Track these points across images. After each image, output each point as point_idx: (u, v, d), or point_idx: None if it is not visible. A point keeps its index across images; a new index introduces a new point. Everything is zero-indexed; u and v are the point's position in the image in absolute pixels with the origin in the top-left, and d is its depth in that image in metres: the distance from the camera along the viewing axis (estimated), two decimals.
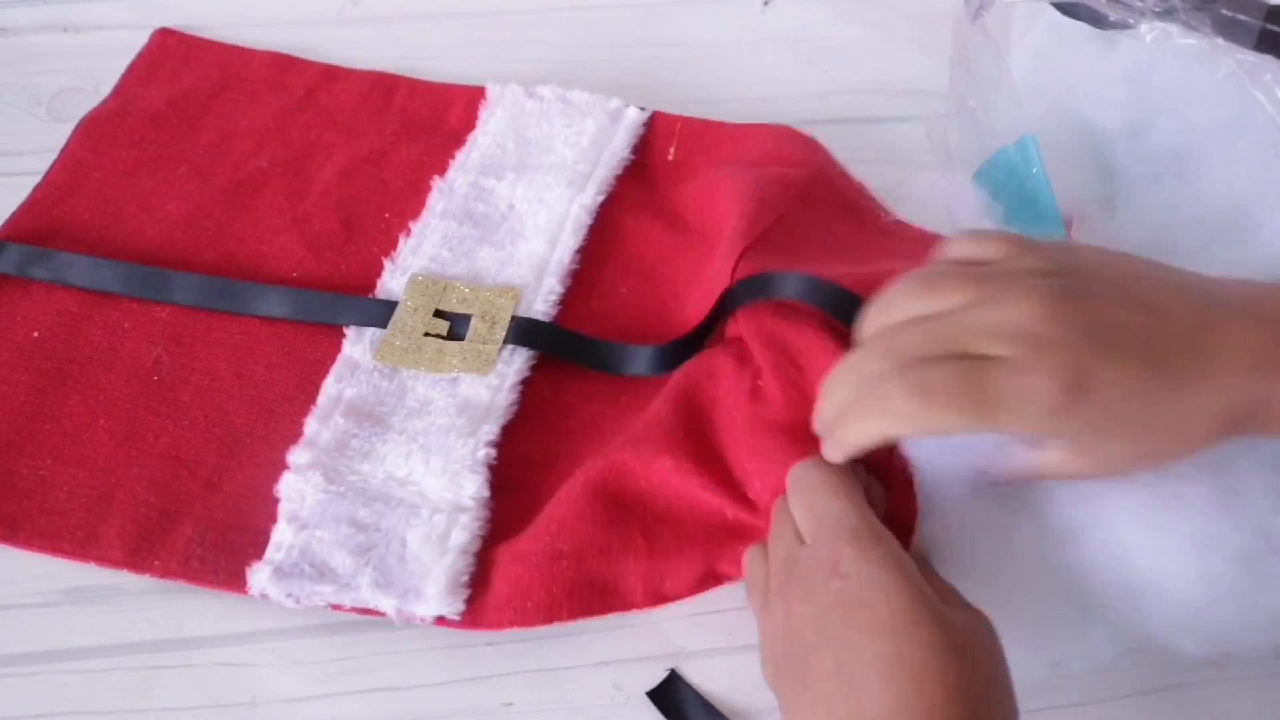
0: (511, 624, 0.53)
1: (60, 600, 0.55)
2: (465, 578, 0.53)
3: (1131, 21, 0.55)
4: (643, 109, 0.74)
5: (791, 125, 0.71)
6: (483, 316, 0.63)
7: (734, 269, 0.60)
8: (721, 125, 0.73)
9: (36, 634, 0.54)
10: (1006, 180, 0.57)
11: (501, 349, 0.61)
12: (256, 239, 0.68)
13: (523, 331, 0.62)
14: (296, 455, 0.57)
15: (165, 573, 0.54)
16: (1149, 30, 0.55)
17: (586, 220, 0.68)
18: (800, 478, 0.49)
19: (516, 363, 0.61)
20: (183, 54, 0.78)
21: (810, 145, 0.71)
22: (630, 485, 0.55)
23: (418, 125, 0.74)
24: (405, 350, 0.61)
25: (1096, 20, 0.56)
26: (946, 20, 0.63)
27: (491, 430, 0.58)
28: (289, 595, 0.53)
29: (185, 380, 0.61)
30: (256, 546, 0.54)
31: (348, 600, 0.53)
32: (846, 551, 0.45)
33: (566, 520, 0.54)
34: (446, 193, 0.69)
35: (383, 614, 0.53)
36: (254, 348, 0.63)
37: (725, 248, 0.62)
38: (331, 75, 0.77)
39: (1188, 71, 0.56)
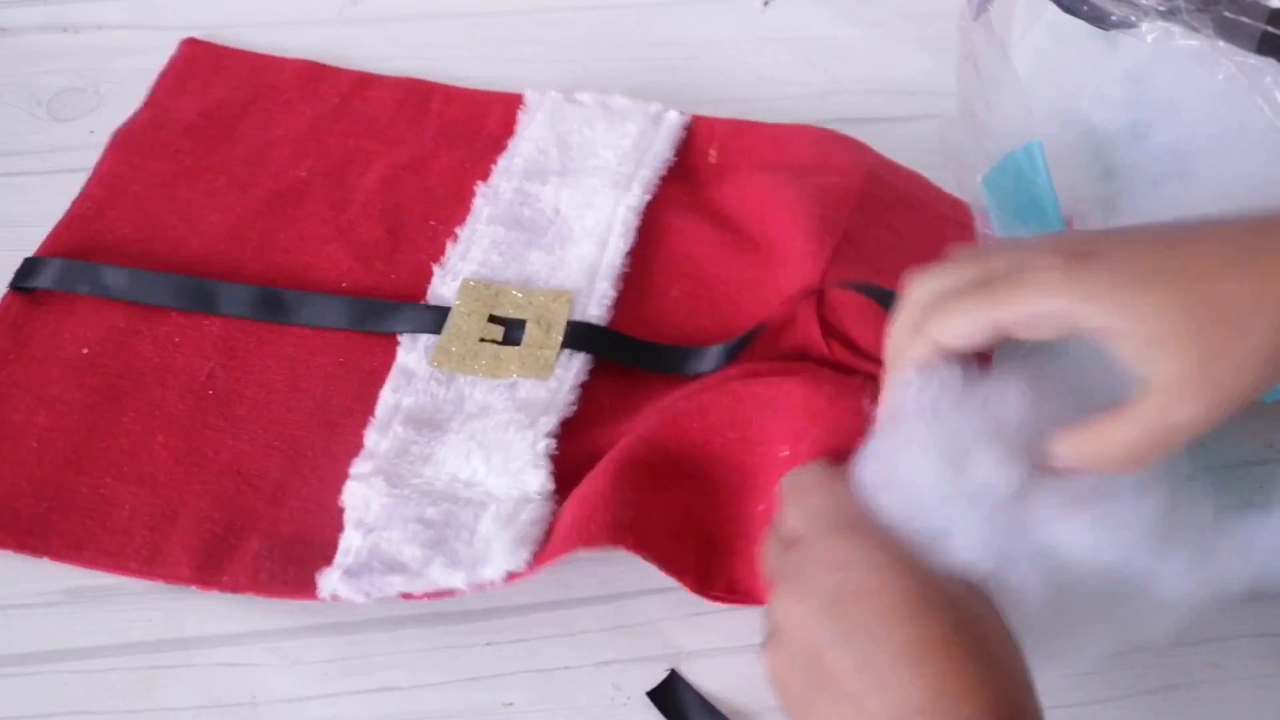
0: (576, 545, 0.52)
1: (60, 600, 0.55)
2: (530, 536, 0.53)
3: (1134, 20, 0.55)
4: (682, 113, 0.73)
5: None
6: (538, 321, 0.62)
7: (813, 290, 0.60)
8: (760, 126, 0.73)
9: (36, 634, 0.54)
10: (1014, 187, 0.57)
11: (559, 353, 0.61)
12: (302, 249, 0.67)
13: (579, 336, 0.62)
14: (358, 466, 0.57)
15: (234, 587, 0.54)
16: (1150, 30, 0.55)
17: (634, 222, 0.67)
18: (793, 481, 0.50)
19: (575, 366, 0.61)
20: (212, 63, 0.77)
21: (856, 147, 0.70)
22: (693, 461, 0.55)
23: (456, 131, 0.74)
24: (462, 356, 0.61)
25: (1099, 19, 0.56)
26: (947, 20, 0.63)
27: (551, 422, 0.58)
28: (360, 591, 0.52)
29: (240, 394, 0.61)
30: (325, 556, 0.54)
31: (419, 587, 0.52)
32: (845, 543, 0.44)
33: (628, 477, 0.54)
34: (491, 198, 0.69)
35: (454, 593, 0.52)
36: (309, 359, 0.62)
37: (794, 270, 0.62)
38: (365, 82, 0.77)
39: (1189, 73, 0.56)
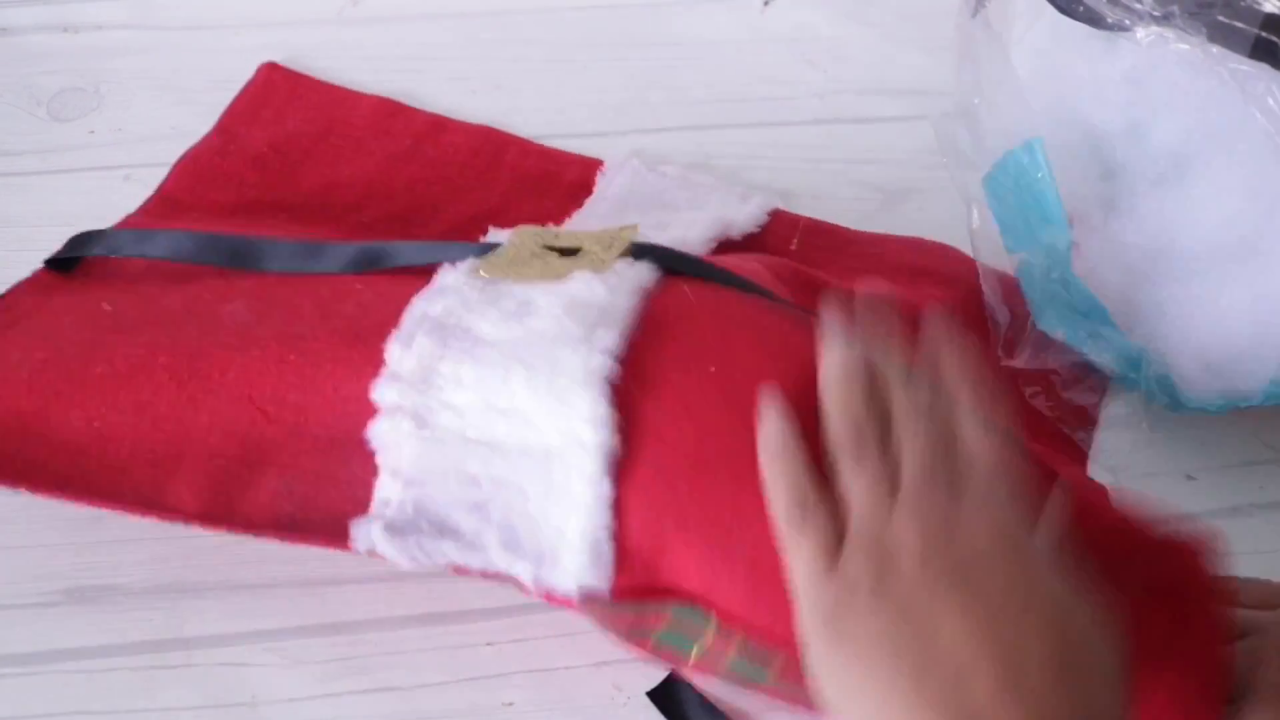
0: (650, 598, 0.48)
1: (60, 600, 0.55)
2: (606, 534, 0.47)
3: (1128, 23, 0.55)
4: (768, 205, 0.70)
5: (791, 125, 0.71)
6: (598, 240, 0.55)
7: None
8: (844, 229, 0.70)
9: (36, 634, 0.54)
10: (1015, 184, 0.57)
11: (622, 257, 0.54)
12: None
13: (648, 249, 0.55)
14: (380, 391, 0.49)
15: (250, 528, 0.50)
16: (1145, 35, 0.55)
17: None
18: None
19: (639, 268, 0.53)
20: (288, 92, 0.76)
21: (961, 259, 0.66)
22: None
23: (530, 184, 0.71)
24: (510, 263, 0.54)
25: (1094, 20, 0.56)
26: (947, 20, 0.63)
27: (609, 336, 0.49)
28: (406, 554, 0.48)
29: (263, 317, 0.54)
30: (356, 501, 0.50)
31: (475, 561, 0.48)
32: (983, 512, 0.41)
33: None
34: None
35: (514, 580, 0.49)
36: (345, 289, 0.56)
37: None
38: (440, 126, 0.74)
39: (1184, 77, 0.56)
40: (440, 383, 0.49)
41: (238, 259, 0.59)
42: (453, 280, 0.53)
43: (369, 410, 0.50)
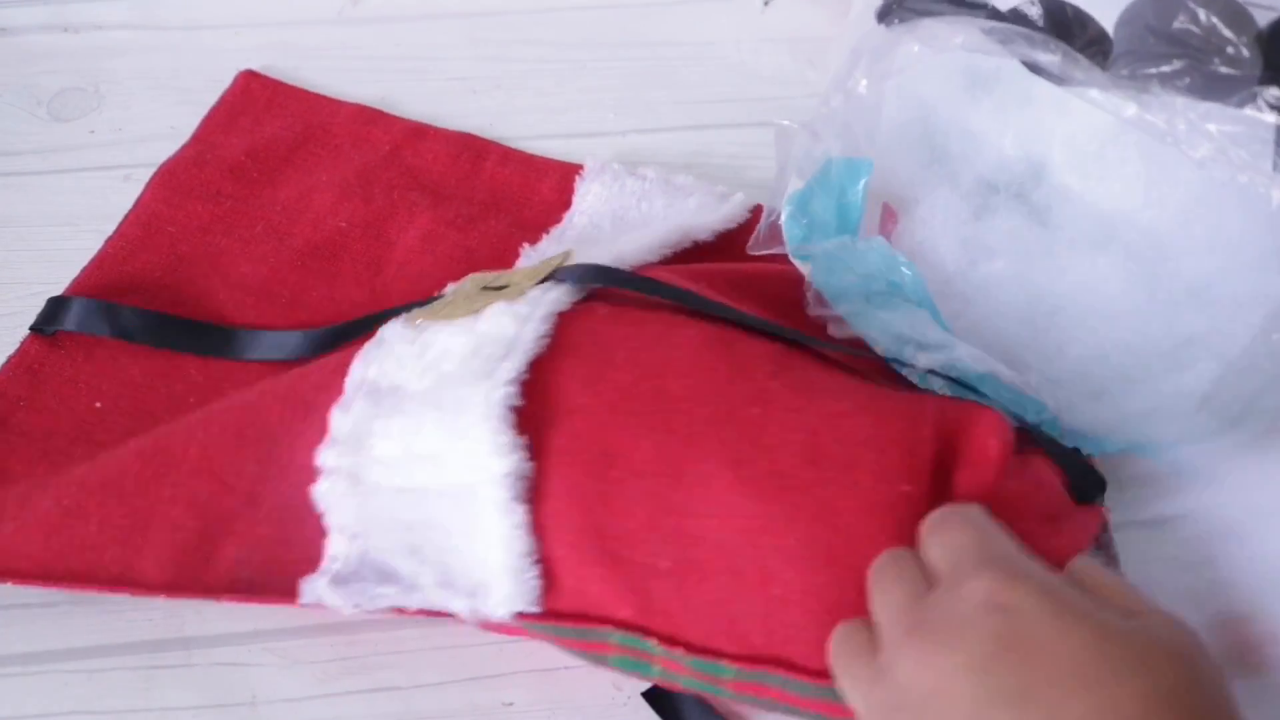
0: (588, 623, 0.48)
1: (60, 600, 0.55)
2: (527, 560, 0.48)
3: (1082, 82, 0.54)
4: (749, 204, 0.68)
5: (791, 125, 0.71)
6: (528, 274, 0.55)
7: None
8: None
9: (36, 634, 0.54)
10: (822, 191, 0.57)
11: (543, 283, 0.54)
12: (334, 311, 0.64)
13: (571, 272, 0.55)
14: (323, 456, 0.51)
15: (210, 594, 0.52)
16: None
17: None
18: (939, 517, 0.43)
19: (556, 291, 0.53)
20: (266, 100, 0.75)
21: None
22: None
23: (509, 194, 0.71)
24: (437, 309, 0.55)
25: (1061, 79, 0.55)
26: None
27: (513, 367, 0.49)
28: (349, 600, 0.50)
29: (220, 394, 0.58)
30: (309, 560, 0.51)
31: (414, 602, 0.50)
32: (1004, 582, 0.37)
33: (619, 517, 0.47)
34: (534, 260, 0.64)
35: (451, 615, 0.50)
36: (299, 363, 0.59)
37: None
38: (419, 133, 0.74)
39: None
40: (371, 441, 0.50)
41: (208, 347, 0.62)
42: (390, 333, 0.54)
43: (316, 475, 0.51)
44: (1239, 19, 0.48)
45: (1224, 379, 0.51)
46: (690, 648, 0.47)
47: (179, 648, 0.54)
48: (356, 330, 0.60)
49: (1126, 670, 0.34)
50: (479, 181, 0.71)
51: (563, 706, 0.52)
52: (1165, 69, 0.49)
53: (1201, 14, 0.48)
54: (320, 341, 0.62)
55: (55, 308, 0.63)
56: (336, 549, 0.51)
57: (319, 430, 0.51)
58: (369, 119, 0.75)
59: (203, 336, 0.63)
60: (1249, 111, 0.47)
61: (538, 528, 0.48)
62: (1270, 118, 0.47)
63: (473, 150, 0.73)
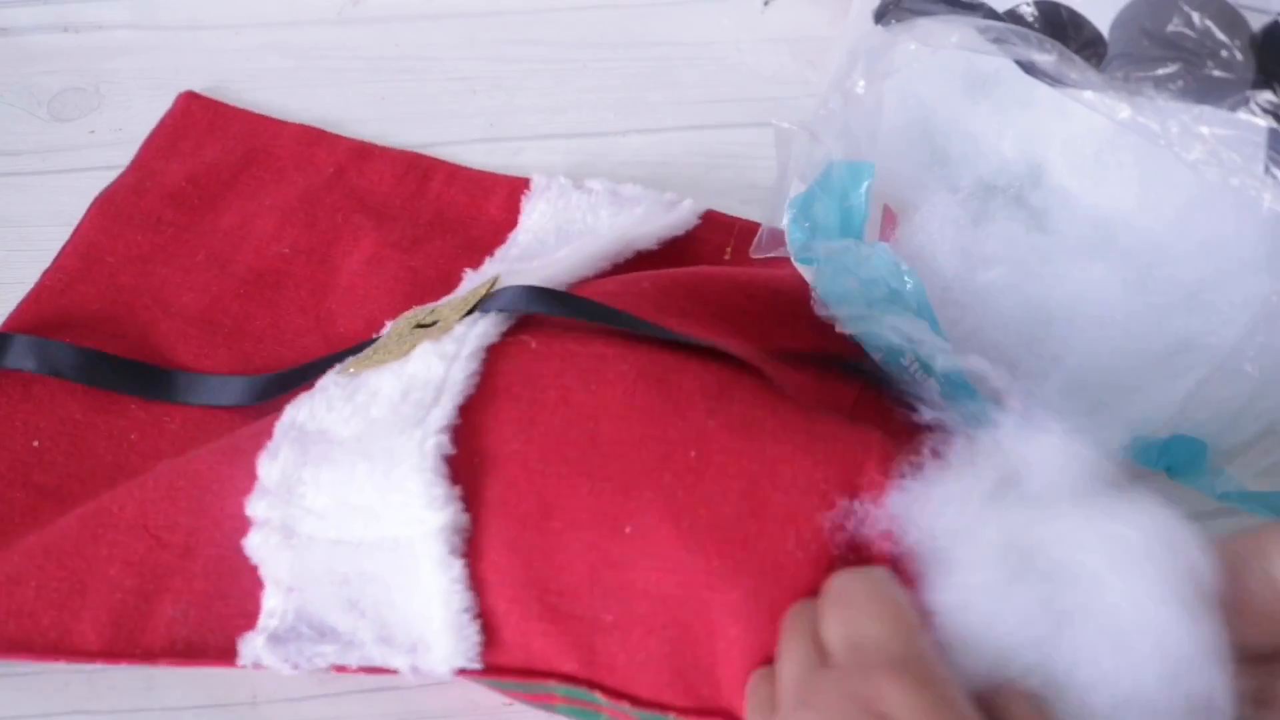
0: (530, 678, 0.48)
1: None
2: (467, 616, 0.47)
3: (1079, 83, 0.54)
4: (699, 209, 0.68)
5: (791, 126, 0.71)
6: (455, 306, 0.54)
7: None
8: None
9: None
10: (824, 195, 0.57)
11: (469, 315, 0.52)
12: (277, 340, 0.63)
13: (497, 300, 0.53)
14: (253, 506, 0.49)
15: (148, 659, 0.50)
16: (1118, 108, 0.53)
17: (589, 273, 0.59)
18: (841, 587, 0.42)
19: (482, 325, 0.51)
20: (208, 123, 0.73)
21: None
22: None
23: (454, 214, 0.69)
24: (375, 351, 0.54)
25: (1056, 80, 0.55)
26: None
27: (443, 415, 0.48)
28: (288, 661, 0.49)
29: (156, 451, 0.57)
30: (246, 615, 0.50)
31: (354, 659, 0.49)
32: (890, 686, 0.36)
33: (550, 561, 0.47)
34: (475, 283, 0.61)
35: (394, 672, 0.49)
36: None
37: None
38: (364, 153, 0.72)
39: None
40: (302, 490, 0.49)
41: (146, 389, 0.60)
42: (325, 380, 0.53)
43: (248, 525, 0.50)
44: (1233, 23, 0.48)
45: (1209, 381, 0.51)
46: (636, 701, 0.46)
47: None
48: (301, 377, 0.58)
49: None
50: (424, 202, 0.70)
51: None
52: (1159, 72, 0.49)
53: (1196, 17, 0.48)
54: (263, 388, 0.60)
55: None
56: (273, 604, 0.50)
57: (248, 476, 0.50)
58: (312, 140, 0.73)
59: (140, 377, 0.61)
60: (1242, 115, 0.47)
61: (477, 581, 0.47)
62: (1262, 121, 0.47)
63: (418, 170, 0.72)
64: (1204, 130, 0.47)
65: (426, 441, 0.47)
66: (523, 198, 0.69)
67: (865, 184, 0.55)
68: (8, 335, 0.61)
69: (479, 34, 0.82)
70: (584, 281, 0.57)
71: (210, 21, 0.81)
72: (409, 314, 0.57)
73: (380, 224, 0.68)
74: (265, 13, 0.81)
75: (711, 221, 0.67)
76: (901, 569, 0.43)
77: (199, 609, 0.51)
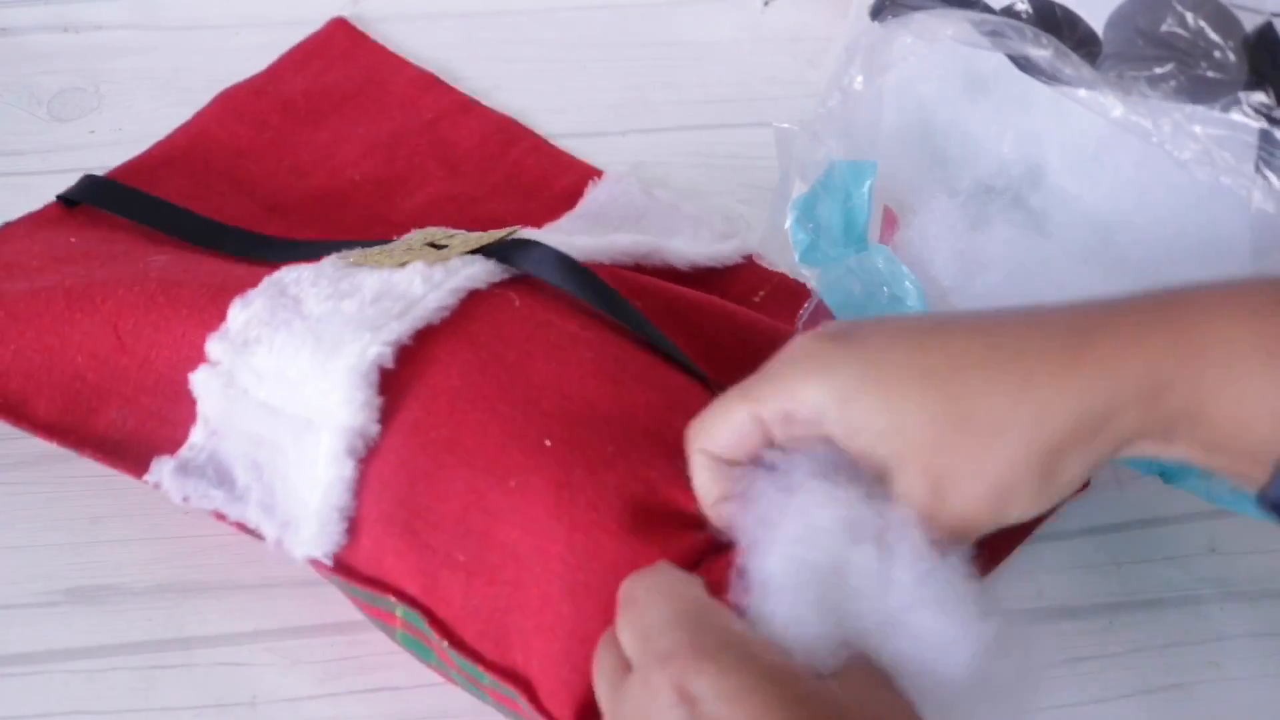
0: (374, 588, 0.49)
1: (60, 600, 0.55)
2: (338, 514, 0.49)
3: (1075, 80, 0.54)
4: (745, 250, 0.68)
5: (790, 125, 0.71)
6: (469, 239, 0.56)
7: None
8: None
9: (36, 634, 0.54)
10: (826, 194, 0.57)
11: (472, 254, 0.54)
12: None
13: (504, 249, 0.54)
14: (211, 344, 0.52)
15: (77, 446, 0.54)
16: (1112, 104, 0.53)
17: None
18: (624, 592, 0.42)
19: (477, 267, 0.53)
20: (344, 49, 0.78)
21: None
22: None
23: (522, 183, 0.72)
24: (373, 254, 0.56)
25: (1050, 77, 0.55)
26: None
27: (399, 329, 0.50)
28: (180, 493, 0.51)
29: (168, 265, 0.58)
30: (173, 442, 0.52)
31: (234, 513, 0.51)
32: (689, 667, 0.36)
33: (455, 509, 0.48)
34: None
35: (260, 537, 0.51)
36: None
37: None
38: (466, 108, 0.75)
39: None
40: (255, 346, 0.51)
41: (211, 243, 0.63)
42: (326, 261, 0.55)
43: (202, 359, 0.52)
44: (1226, 23, 0.48)
45: None
46: (457, 643, 0.47)
47: (179, 648, 0.54)
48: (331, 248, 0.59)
49: None
50: (500, 164, 0.73)
51: None
52: (1153, 71, 0.49)
53: (1190, 17, 0.48)
54: (304, 255, 0.59)
55: (88, 185, 0.66)
56: (196, 438, 0.52)
57: (219, 316, 0.52)
58: (425, 85, 0.77)
59: (194, 227, 0.64)
60: (1234, 115, 0.47)
61: (360, 486, 0.49)
62: (1254, 121, 0.47)
63: (507, 134, 0.74)
64: (1197, 129, 0.47)
65: (370, 348, 0.49)
66: (590, 184, 0.70)
67: (868, 183, 0.55)
68: (107, 180, 0.67)
69: (479, 34, 0.82)
70: (597, 265, 0.57)
71: (210, 21, 0.81)
72: (430, 230, 0.59)
73: (451, 175, 0.71)
74: (265, 13, 0.81)
75: (752, 266, 0.68)
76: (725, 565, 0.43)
77: (136, 419, 0.54)
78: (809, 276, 0.57)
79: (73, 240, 0.62)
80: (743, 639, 0.38)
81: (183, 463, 0.51)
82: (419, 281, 0.52)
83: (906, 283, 0.53)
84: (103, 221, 0.65)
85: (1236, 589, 0.56)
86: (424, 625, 0.48)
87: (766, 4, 0.85)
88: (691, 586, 0.41)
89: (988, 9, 0.53)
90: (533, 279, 0.54)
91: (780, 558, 0.40)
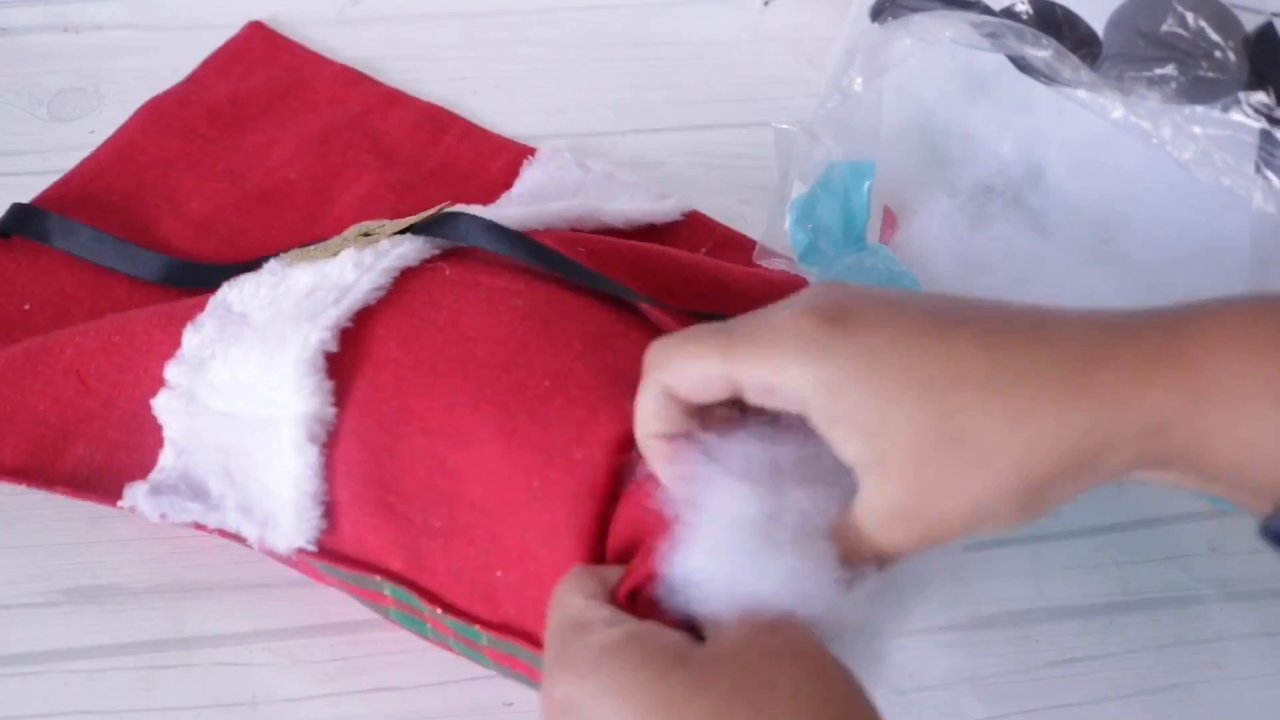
0: (361, 569, 0.50)
1: (60, 600, 0.55)
2: (312, 500, 0.49)
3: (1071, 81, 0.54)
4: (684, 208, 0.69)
5: (790, 126, 0.71)
6: (399, 223, 0.57)
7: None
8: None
9: (36, 634, 0.54)
10: (826, 195, 0.57)
11: (400, 234, 0.55)
12: (264, 255, 0.64)
13: (430, 224, 0.56)
14: (170, 370, 0.53)
15: (48, 485, 0.55)
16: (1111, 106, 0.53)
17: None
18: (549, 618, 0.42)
19: (406, 246, 0.54)
20: (263, 51, 0.79)
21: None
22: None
23: (456, 169, 0.73)
24: (309, 250, 0.57)
25: (1050, 78, 0.55)
26: None
27: (337, 314, 0.51)
28: (157, 510, 0.52)
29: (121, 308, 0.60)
30: (143, 468, 0.54)
31: (213, 521, 0.51)
32: (562, 675, 0.38)
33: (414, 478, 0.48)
34: None
35: (243, 541, 0.51)
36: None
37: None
38: (393, 100, 0.76)
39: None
40: (212, 363, 0.52)
41: (147, 271, 0.65)
42: (267, 265, 0.56)
43: (162, 387, 0.53)
44: (1227, 23, 0.48)
45: None
46: (450, 608, 0.48)
47: (179, 648, 0.54)
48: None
49: (682, 695, 0.35)
50: (433, 152, 0.74)
51: None
52: (1153, 72, 0.49)
53: (1190, 18, 0.48)
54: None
55: (17, 214, 0.66)
56: (165, 460, 0.53)
57: (174, 343, 0.54)
58: (350, 80, 0.77)
59: (134, 258, 0.65)
60: (1234, 115, 0.47)
61: (329, 470, 0.49)
62: (1254, 122, 0.47)
63: (437, 122, 0.75)
64: (1196, 130, 0.47)
65: (311, 335, 0.50)
66: (524, 163, 0.72)
67: (867, 184, 0.55)
68: (36, 209, 0.67)
69: (479, 34, 0.82)
70: (533, 232, 0.58)
71: (210, 21, 0.81)
72: (364, 224, 0.59)
73: (385, 166, 0.72)
74: (265, 13, 0.81)
75: (694, 221, 0.69)
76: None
77: (105, 455, 0.55)
78: (809, 276, 0.57)
79: (26, 308, 0.63)
80: (608, 642, 0.38)
81: (154, 484, 0.52)
82: (350, 267, 0.53)
83: (901, 280, 0.53)
84: (42, 264, 0.65)
85: (1236, 589, 0.56)
86: (413, 599, 0.49)
87: (766, 4, 0.85)
88: (577, 595, 0.41)
89: (988, 10, 0.53)
90: (466, 250, 0.55)
91: (700, 554, 0.40)
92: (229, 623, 0.54)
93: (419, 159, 0.73)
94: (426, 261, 0.54)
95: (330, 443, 0.50)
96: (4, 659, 0.53)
